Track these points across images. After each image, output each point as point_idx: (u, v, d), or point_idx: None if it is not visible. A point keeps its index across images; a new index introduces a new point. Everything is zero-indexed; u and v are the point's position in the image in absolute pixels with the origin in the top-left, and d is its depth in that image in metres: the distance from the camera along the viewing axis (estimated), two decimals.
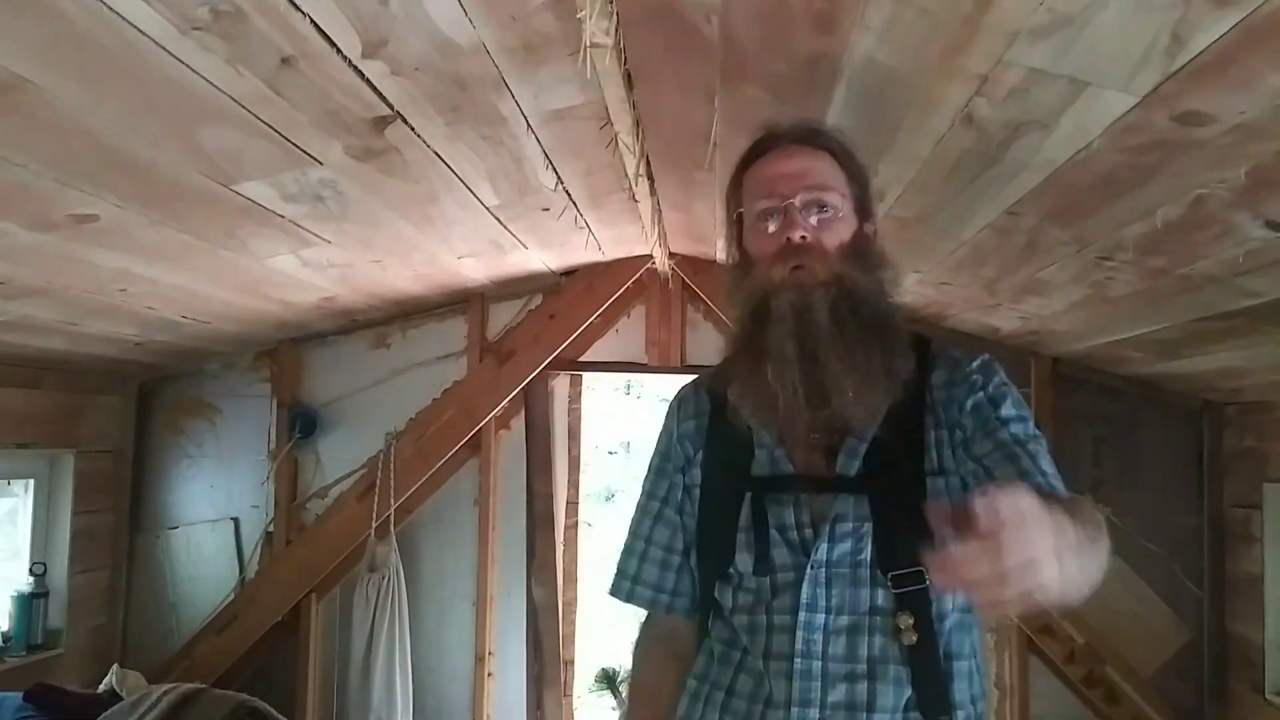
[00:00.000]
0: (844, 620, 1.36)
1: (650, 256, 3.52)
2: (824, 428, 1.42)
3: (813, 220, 1.41)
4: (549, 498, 3.79)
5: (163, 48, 1.43)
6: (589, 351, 3.81)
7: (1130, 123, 1.43)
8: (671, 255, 3.49)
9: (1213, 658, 3.39)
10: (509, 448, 3.80)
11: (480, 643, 3.70)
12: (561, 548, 3.89)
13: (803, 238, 1.39)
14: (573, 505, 4.08)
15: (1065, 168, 1.68)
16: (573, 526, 4.09)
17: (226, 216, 2.21)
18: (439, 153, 2.07)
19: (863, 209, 1.48)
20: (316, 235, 2.47)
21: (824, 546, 1.38)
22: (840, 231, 1.42)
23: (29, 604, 3.34)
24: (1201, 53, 1.19)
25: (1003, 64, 1.39)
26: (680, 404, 1.63)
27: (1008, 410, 1.43)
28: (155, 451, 3.82)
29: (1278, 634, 3.10)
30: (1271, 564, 3.12)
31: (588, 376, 4.00)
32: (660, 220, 2.96)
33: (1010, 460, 1.35)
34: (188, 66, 1.50)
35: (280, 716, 2.95)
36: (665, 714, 1.55)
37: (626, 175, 2.37)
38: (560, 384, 3.94)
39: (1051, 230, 2.05)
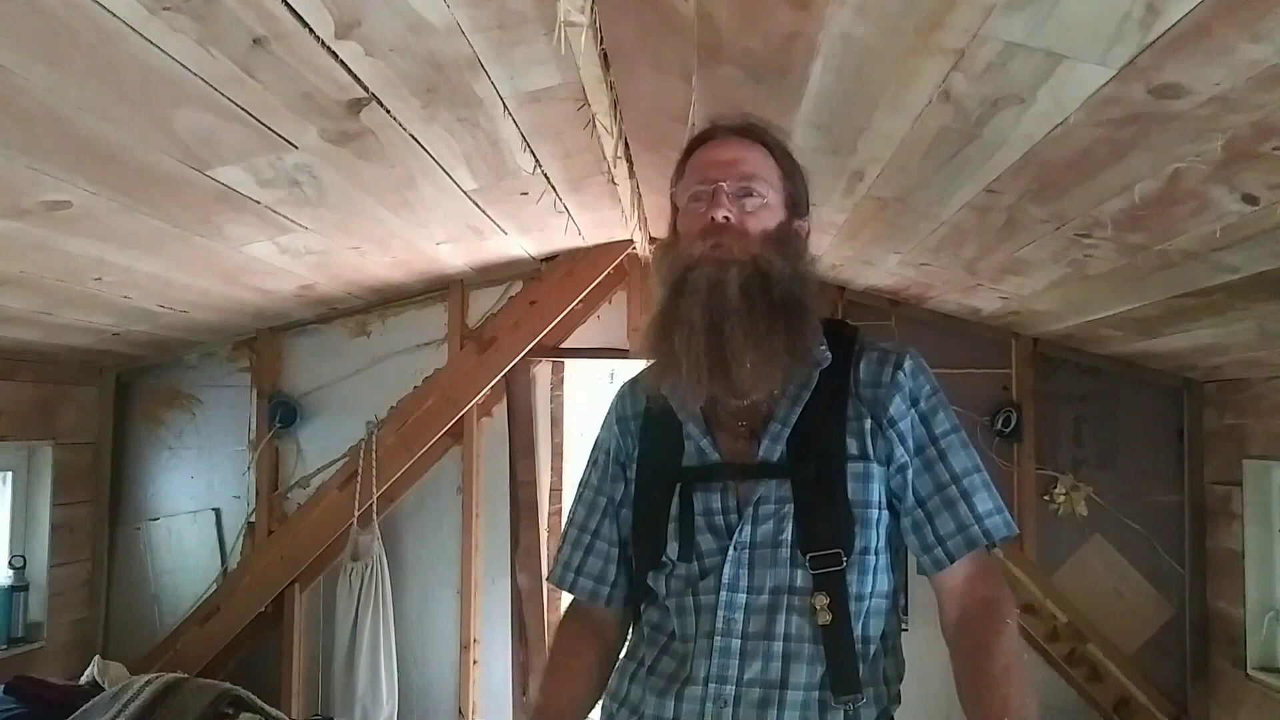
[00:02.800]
0: (763, 599, 1.41)
1: (631, 241, 3.51)
2: (748, 415, 1.47)
3: (740, 206, 1.45)
4: (532, 485, 3.79)
5: (132, 28, 1.41)
6: (570, 338, 3.81)
7: (1107, 96, 1.43)
8: (652, 240, 3.48)
9: (1194, 634, 3.42)
10: (491, 435, 3.79)
11: (465, 630, 3.70)
12: (545, 535, 3.89)
13: (725, 218, 1.43)
14: (556, 492, 4.08)
15: (1043, 143, 1.67)
16: (556, 513, 4.09)
17: (201, 202, 2.19)
18: (415, 135, 2.05)
19: (793, 205, 1.52)
20: (293, 221, 2.45)
21: (746, 528, 1.42)
22: (765, 219, 1.47)
23: (9, 597, 3.32)
24: (1176, 23, 1.19)
25: (979, 38, 1.38)
26: (620, 401, 1.66)
27: (941, 426, 1.48)
28: (134, 443, 3.80)
29: (1259, 610, 3.13)
30: (1252, 540, 3.14)
31: (570, 364, 3.99)
32: (640, 204, 2.95)
33: (950, 509, 1.44)
34: (158, 47, 1.48)
35: (263, 704, 2.94)
36: (580, 692, 1.59)
37: (605, 158, 2.36)
38: (542, 371, 3.93)
39: (1030, 208, 2.05)
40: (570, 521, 1.66)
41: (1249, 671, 3.12)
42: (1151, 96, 1.40)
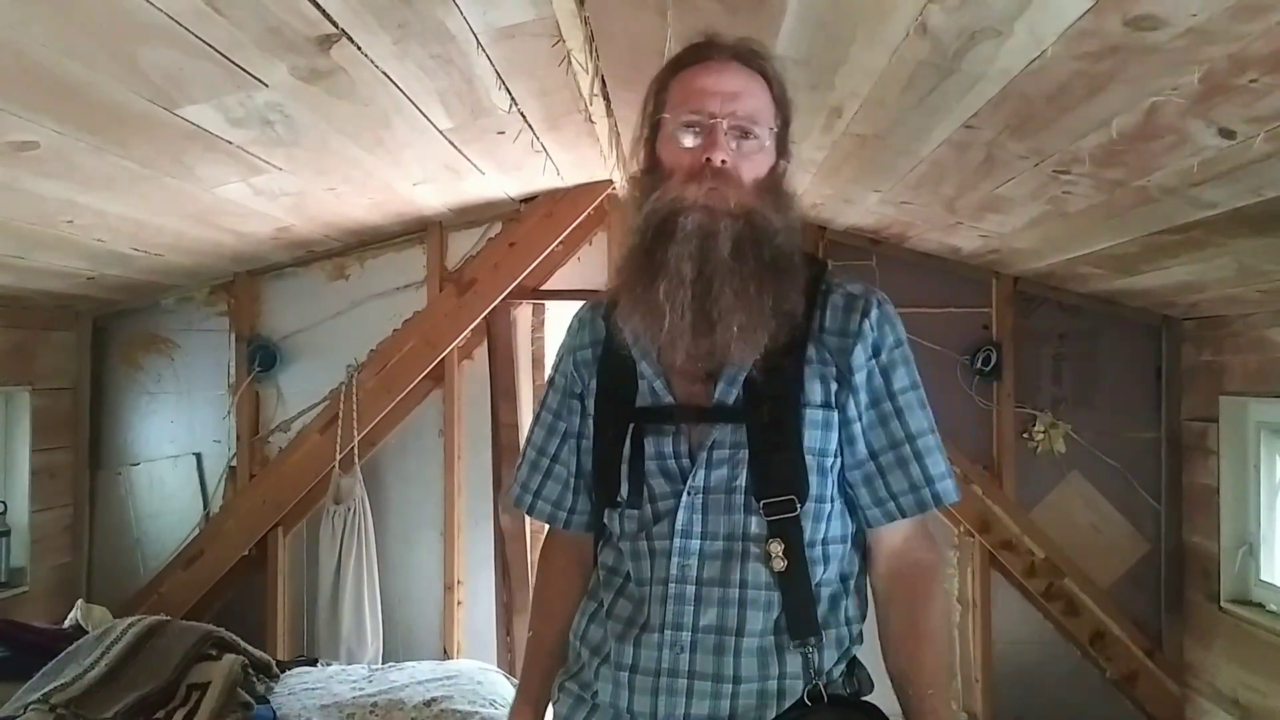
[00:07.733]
0: (718, 546, 1.38)
1: (610, 181, 3.48)
2: (705, 357, 1.41)
3: (734, 146, 1.38)
4: (514, 427, 3.79)
5: None
6: (551, 280, 3.79)
7: (1084, 28, 1.41)
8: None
9: (1169, 569, 3.46)
10: (473, 378, 3.78)
11: (449, 572, 3.72)
12: None
13: (723, 161, 1.36)
14: None
15: (1021, 77, 1.66)
16: None
17: (171, 142, 2.15)
18: (387, 73, 2.02)
19: (782, 146, 1.46)
20: (267, 162, 2.42)
21: (700, 473, 1.39)
22: (759, 164, 1.41)
23: None
24: None
25: None
26: (579, 327, 1.61)
27: (900, 381, 1.44)
28: (113, 388, 3.77)
29: (1232, 544, 3.17)
30: (1227, 475, 3.18)
31: (551, 306, 3.98)
32: (618, 142, 2.92)
33: (903, 467, 1.42)
34: None
35: (246, 644, 2.96)
36: (567, 623, 1.58)
37: (581, 95, 2.33)
38: (522, 313, 3.91)
39: (1009, 144, 2.04)
40: (529, 441, 1.64)
41: (1222, 604, 3.17)
42: (1129, 28, 1.38)
